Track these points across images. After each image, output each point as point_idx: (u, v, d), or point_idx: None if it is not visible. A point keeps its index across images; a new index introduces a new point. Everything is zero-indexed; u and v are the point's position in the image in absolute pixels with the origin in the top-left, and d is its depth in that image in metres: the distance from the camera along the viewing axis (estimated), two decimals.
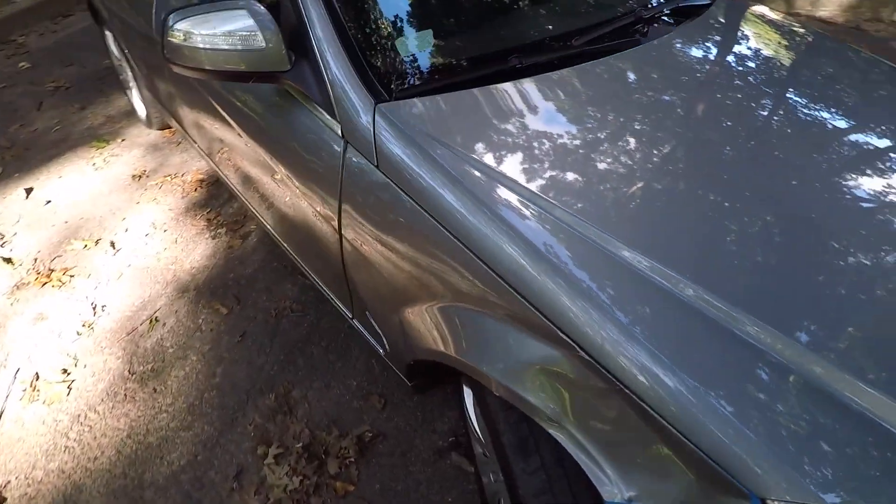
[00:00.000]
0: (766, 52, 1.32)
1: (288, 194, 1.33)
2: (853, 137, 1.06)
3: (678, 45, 1.24)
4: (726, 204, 0.87)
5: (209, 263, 2.05)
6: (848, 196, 0.91)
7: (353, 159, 1.04)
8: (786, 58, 1.32)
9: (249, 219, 2.22)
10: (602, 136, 0.99)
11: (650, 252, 0.79)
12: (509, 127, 0.99)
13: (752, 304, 0.73)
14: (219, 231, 2.19)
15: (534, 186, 0.89)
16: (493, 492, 1.26)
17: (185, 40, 1.05)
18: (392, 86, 1.06)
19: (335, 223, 1.14)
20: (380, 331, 1.31)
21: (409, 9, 1.22)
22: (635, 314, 0.73)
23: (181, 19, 1.05)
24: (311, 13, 1.09)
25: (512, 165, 0.93)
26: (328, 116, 1.08)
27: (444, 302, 0.97)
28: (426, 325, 1.03)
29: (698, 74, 1.19)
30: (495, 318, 0.87)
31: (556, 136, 0.99)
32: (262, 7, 1.06)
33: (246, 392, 1.63)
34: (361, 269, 1.18)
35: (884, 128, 1.09)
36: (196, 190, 2.42)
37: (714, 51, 1.27)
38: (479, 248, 0.85)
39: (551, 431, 0.80)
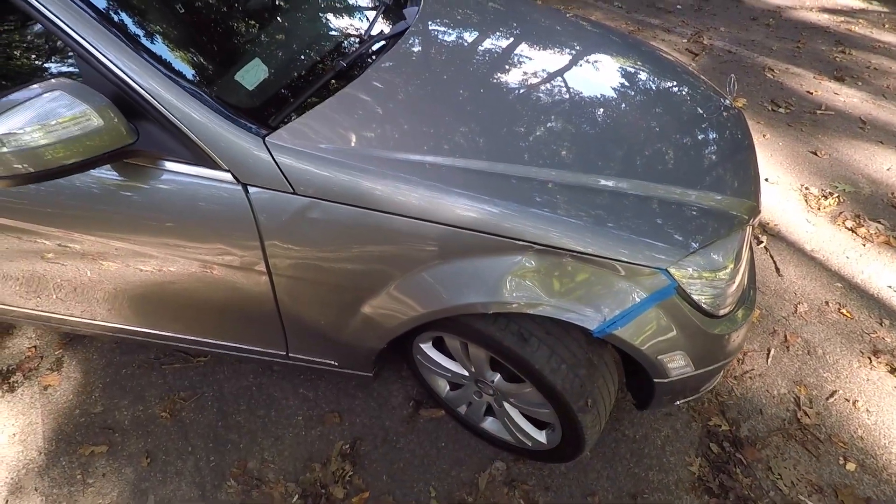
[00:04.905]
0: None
1: (175, 272, 1.21)
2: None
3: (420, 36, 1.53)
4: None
5: (35, 420, 1.64)
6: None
7: (263, 196, 1.06)
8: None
9: (49, 350, 1.80)
10: (425, 101, 1.24)
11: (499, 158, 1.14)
12: (366, 116, 1.17)
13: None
14: (15, 385, 1.73)
15: (417, 150, 1.11)
16: (478, 409, 1.51)
17: None
18: (267, 118, 1.10)
19: (261, 267, 1.14)
20: (327, 348, 1.37)
21: (231, 47, 1.23)
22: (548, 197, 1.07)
23: None
24: (143, 79, 1.01)
25: (391, 141, 1.12)
26: (209, 170, 1.06)
27: (405, 276, 1.12)
28: (393, 305, 1.17)
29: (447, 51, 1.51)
30: (460, 260, 1.08)
31: (402, 111, 1.20)
32: (78, 82, 0.95)
33: (200, 497, 1.46)
34: (300, 300, 1.22)
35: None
36: None
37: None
38: (424, 212, 1.04)
39: (536, 312, 1.08)
